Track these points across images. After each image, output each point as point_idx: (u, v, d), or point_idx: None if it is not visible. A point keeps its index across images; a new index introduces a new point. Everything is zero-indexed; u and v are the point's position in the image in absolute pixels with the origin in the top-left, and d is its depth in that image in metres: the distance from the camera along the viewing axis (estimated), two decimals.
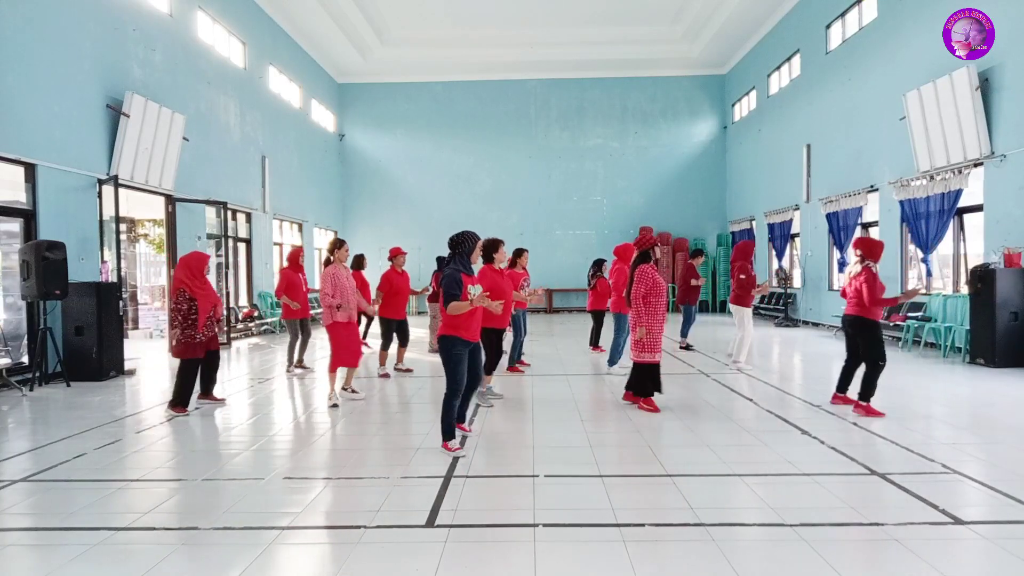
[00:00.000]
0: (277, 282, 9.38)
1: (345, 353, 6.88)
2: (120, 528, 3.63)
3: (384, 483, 4.32)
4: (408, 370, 9.08)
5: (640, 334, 6.28)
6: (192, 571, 3.15)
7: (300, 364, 9.25)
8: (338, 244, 7.08)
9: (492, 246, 6.31)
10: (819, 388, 7.61)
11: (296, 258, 9.21)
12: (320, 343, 12.83)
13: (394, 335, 8.89)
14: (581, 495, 4.07)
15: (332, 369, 6.87)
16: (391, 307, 8.76)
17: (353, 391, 7.24)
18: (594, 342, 11.16)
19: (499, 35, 19.26)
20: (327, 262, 7.11)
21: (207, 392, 6.99)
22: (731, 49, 19.88)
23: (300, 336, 9.15)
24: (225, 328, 12.26)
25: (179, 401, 6.56)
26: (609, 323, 11.07)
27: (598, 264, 10.69)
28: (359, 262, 10.52)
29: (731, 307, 9.17)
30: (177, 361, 6.73)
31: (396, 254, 9.02)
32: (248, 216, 15.10)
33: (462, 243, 5.02)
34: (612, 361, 8.75)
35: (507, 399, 7.09)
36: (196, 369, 6.68)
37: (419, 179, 21.93)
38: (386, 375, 8.71)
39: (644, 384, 6.47)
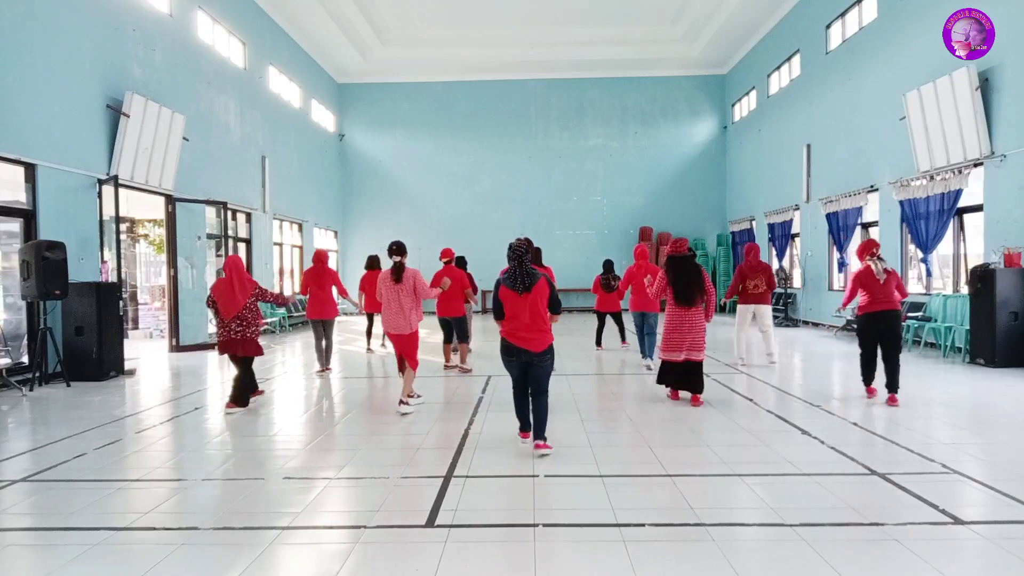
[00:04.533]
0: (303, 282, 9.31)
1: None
2: (120, 528, 3.63)
3: (384, 483, 4.32)
4: (464, 369, 8.98)
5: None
6: (192, 571, 3.14)
7: (324, 368, 9.09)
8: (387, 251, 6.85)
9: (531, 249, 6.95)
10: (819, 388, 7.61)
11: (323, 259, 9.09)
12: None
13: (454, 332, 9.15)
14: (581, 495, 4.07)
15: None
16: (445, 306, 8.93)
17: (403, 401, 6.59)
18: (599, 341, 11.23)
19: (499, 35, 19.26)
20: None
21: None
22: (731, 49, 19.88)
23: (322, 338, 9.03)
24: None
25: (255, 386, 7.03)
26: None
27: (611, 265, 10.73)
28: (373, 263, 10.53)
29: (765, 308, 9.08)
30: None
31: (447, 255, 9.13)
32: (248, 216, 15.10)
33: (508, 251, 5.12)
34: (651, 355, 9.07)
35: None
36: None
37: (419, 179, 21.93)
38: (455, 367, 9.00)
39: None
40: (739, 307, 9.18)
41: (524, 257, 4.99)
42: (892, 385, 6.56)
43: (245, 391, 6.74)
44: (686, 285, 6.51)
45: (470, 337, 9.36)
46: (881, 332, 6.56)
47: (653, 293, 6.95)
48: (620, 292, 10.33)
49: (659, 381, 6.85)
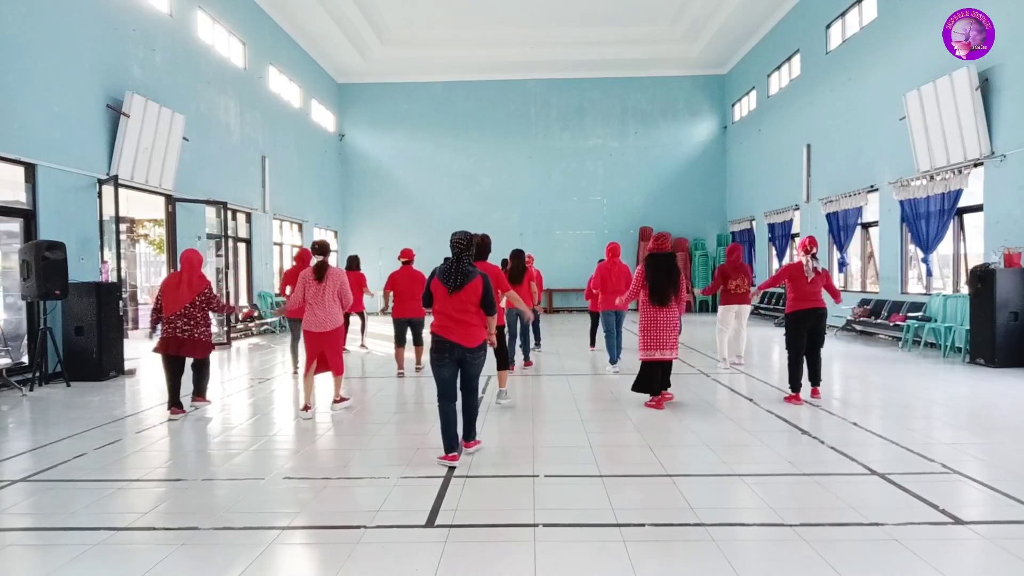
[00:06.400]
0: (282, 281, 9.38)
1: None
2: (120, 528, 3.63)
3: (384, 483, 4.32)
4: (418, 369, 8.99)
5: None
6: (192, 571, 3.15)
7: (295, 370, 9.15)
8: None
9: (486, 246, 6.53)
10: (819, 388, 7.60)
11: (306, 258, 9.09)
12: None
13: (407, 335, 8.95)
14: (581, 495, 4.07)
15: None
16: (404, 307, 8.77)
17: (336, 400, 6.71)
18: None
19: (499, 35, 19.26)
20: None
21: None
22: (731, 49, 19.88)
23: (299, 339, 9.06)
24: (225, 327, 12.28)
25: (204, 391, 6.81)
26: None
27: None
28: (353, 263, 10.50)
29: (746, 308, 9.07)
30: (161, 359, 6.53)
31: (406, 256, 9.08)
32: (248, 216, 15.10)
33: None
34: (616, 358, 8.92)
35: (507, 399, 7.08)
36: None
37: (419, 179, 21.93)
38: (401, 374, 8.76)
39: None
40: (721, 308, 9.14)
41: (463, 253, 4.74)
42: (815, 378, 6.69)
43: (201, 383, 6.66)
44: (662, 285, 6.42)
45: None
46: (808, 330, 6.65)
47: (624, 300, 6.97)
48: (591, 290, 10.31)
49: (638, 389, 6.63)
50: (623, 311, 8.88)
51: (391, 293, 8.78)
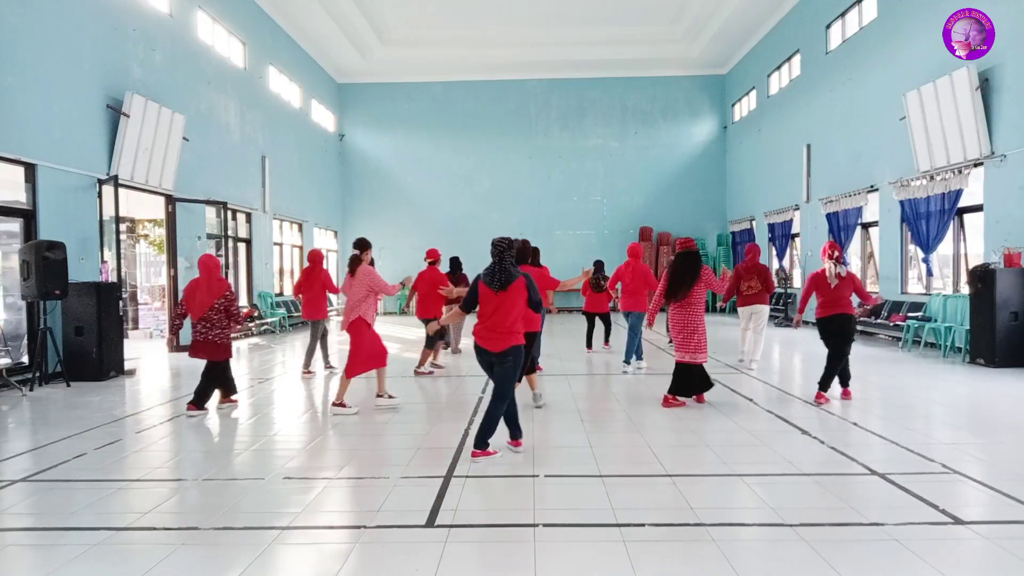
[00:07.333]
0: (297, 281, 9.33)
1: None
2: (120, 528, 3.63)
3: (384, 483, 4.32)
4: (429, 372, 8.93)
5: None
6: (192, 571, 3.14)
7: (327, 365, 9.28)
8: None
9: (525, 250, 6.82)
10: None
11: (313, 259, 9.04)
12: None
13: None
14: (581, 495, 4.07)
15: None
16: (424, 307, 9.01)
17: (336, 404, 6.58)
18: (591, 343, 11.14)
19: (499, 35, 19.27)
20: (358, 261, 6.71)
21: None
22: (731, 49, 19.88)
23: (315, 337, 9.05)
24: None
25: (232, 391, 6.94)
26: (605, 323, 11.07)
27: (601, 265, 10.69)
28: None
29: (760, 308, 8.88)
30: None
31: (432, 256, 9.22)
32: (248, 216, 15.10)
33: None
34: (630, 359, 8.87)
35: None
36: None
37: (419, 179, 21.94)
38: (428, 372, 8.90)
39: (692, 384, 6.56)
40: (739, 309, 9.14)
41: (505, 253, 4.86)
42: (841, 379, 6.75)
43: (204, 393, 6.57)
44: (671, 280, 6.46)
45: (442, 343, 9.26)
46: (832, 335, 6.64)
47: (650, 313, 6.93)
48: (603, 295, 10.36)
49: (670, 390, 6.58)
50: (637, 312, 8.79)
51: (415, 293, 9.07)
